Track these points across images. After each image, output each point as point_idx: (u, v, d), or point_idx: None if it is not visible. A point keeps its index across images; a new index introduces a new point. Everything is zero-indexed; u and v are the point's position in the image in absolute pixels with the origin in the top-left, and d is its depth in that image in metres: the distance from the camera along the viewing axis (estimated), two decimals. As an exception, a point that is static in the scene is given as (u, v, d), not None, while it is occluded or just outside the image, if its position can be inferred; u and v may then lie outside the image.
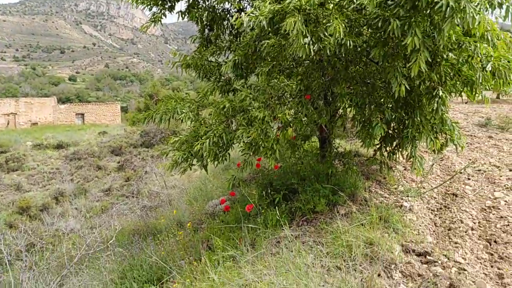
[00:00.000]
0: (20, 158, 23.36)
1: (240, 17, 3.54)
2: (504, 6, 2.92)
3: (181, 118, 4.45)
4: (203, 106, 4.82)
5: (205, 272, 3.21)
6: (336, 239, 3.45)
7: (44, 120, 38.77)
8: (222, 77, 5.17)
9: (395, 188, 5.07)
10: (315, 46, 3.18)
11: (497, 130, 10.29)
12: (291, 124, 4.73)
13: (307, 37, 3.14)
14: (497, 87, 3.69)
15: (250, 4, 5.42)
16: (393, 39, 3.11)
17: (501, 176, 5.64)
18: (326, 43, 3.17)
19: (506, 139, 8.92)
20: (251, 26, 3.46)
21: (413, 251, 3.41)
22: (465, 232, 3.81)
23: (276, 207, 4.06)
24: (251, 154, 4.08)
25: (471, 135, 9.48)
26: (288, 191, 4.70)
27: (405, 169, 6.00)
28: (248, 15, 3.43)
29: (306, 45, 3.12)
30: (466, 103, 16.03)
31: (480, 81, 3.40)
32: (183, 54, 5.24)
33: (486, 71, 3.40)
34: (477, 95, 3.78)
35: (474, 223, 4.05)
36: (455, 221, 4.06)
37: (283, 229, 3.67)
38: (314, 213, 4.22)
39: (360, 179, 4.90)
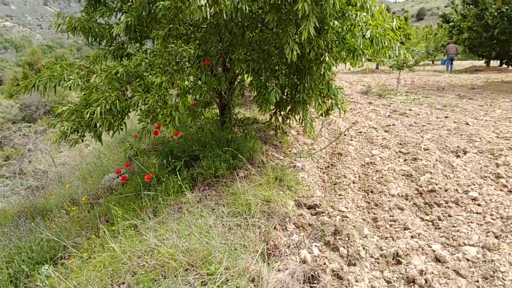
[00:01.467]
0: None
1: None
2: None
3: (69, 85, 4.05)
4: (93, 72, 4.46)
5: (105, 243, 3.10)
6: (236, 200, 3.61)
7: None
8: (114, 41, 4.83)
9: (290, 151, 5.44)
10: (212, 9, 3.16)
11: (376, 97, 11.57)
12: (191, 91, 4.69)
13: (203, -1, 3.10)
14: (374, 54, 4.13)
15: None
16: (286, 5, 3.24)
17: (377, 136, 6.43)
18: (222, 6, 3.17)
19: (383, 105, 10.12)
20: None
21: (305, 204, 3.75)
22: (348, 185, 4.31)
23: (178, 174, 4.05)
24: (149, 122, 3.95)
25: (355, 102, 10.52)
26: (190, 158, 4.71)
27: (298, 134, 6.44)
28: (140, -27, 3.24)
29: (203, 7, 3.08)
30: (349, 69, 17.46)
31: (361, 47, 3.77)
32: (68, 16, 4.73)
33: (366, 38, 3.78)
34: (359, 62, 4.19)
35: (355, 177, 4.60)
36: (340, 177, 4.55)
37: (185, 195, 3.70)
38: (216, 178, 4.33)
39: (258, 143, 5.14)
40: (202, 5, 3.03)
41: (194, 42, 4.25)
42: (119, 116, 4.02)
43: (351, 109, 9.40)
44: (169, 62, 3.99)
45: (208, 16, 3.14)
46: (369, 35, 3.70)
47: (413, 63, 12.32)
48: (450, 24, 17.40)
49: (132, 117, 4.43)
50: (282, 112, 4.68)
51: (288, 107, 4.59)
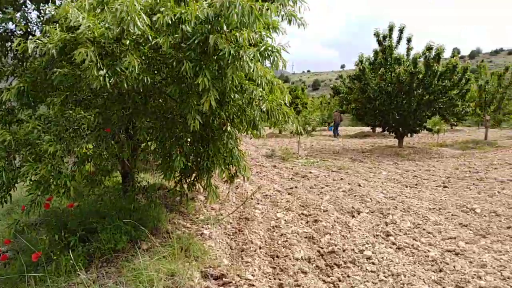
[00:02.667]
0: None
1: (25, 43, 3.20)
2: (271, 58, 3.58)
3: None
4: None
5: None
6: (137, 276, 3.36)
7: None
8: (3, 106, 4.46)
9: (197, 218, 5.35)
10: (112, 79, 3.15)
11: (280, 160, 12.21)
12: (90, 159, 4.44)
13: (103, 69, 3.08)
14: (272, 125, 4.45)
15: (40, 28, 4.94)
16: (187, 78, 3.39)
17: (282, 199, 6.71)
18: (123, 77, 3.18)
19: (286, 168, 10.69)
20: (39, 53, 3.17)
21: (211, 275, 3.65)
22: (255, 251, 4.34)
23: (71, 251, 3.67)
24: (40, 194, 3.60)
25: (261, 165, 10.95)
26: (86, 232, 4.32)
27: (206, 199, 6.40)
28: (35, 41, 3.13)
29: (101, 78, 3.05)
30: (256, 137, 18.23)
31: (258, 119, 4.04)
32: None
33: (263, 112, 4.07)
34: (258, 132, 4.45)
35: (262, 242, 4.66)
36: (247, 242, 4.57)
37: (78, 274, 3.34)
38: (116, 252, 4.01)
39: (163, 211, 4.97)
40: (101, 75, 3.02)
41: (94, 109, 4.12)
42: (4, 188, 3.61)
43: (257, 172, 9.74)
44: (66, 129, 3.78)
45: (108, 86, 3.11)
46: (265, 109, 4.00)
47: (311, 129, 13.43)
48: (340, 95, 19.67)
49: (20, 187, 4.00)
50: (187, 179, 4.66)
51: (194, 174, 4.60)
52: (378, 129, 22.94)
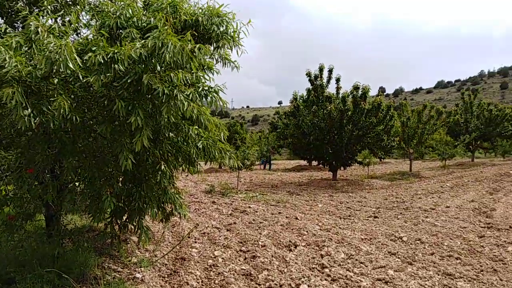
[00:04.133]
0: None
1: None
2: (209, 98, 3.67)
3: None
4: None
5: None
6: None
7: None
8: None
9: (129, 260, 5.08)
10: (37, 119, 3.00)
11: (219, 196, 12.12)
12: (9, 202, 4.12)
13: (28, 109, 2.94)
14: (208, 161, 4.46)
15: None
16: (120, 117, 3.33)
17: (220, 236, 6.62)
18: (49, 117, 3.05)
19: (225, 203, 10.62)
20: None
21: (144, 322, 3.46)
22: (191, 292, 4.21)
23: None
24: None
25: (199, 202, 10.78)
26: (3, 283, 3.92)
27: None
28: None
29: (26, 117, 2.91)
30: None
31: (194, 156, 4.05)
32: None
33: (199, 149, 4.10)
34: (195, 168, 4.45)
35: (198, 282, 4.53)
36: (182, 284, 4.42)
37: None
38: (36, 304, 3.66)
39: (92, 256, 4.66)
40: (26, 115, 2.87)
41: (16, 149, 3.87)
42: None
43: (196, 209, 9.56)
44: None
45: (33, 126, 2.96)
46: (201, 146, 4.04)
47: (250, 163, 13.61)
48: (277, 130, 20.31)
49: None
50: (118, 220, 4.46)
51: (125, 215, 4.42)
52: (315, 162, 23.88)
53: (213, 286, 4.41)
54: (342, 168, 17.33)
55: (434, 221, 8.32)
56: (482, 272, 5.00)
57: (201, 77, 3.67)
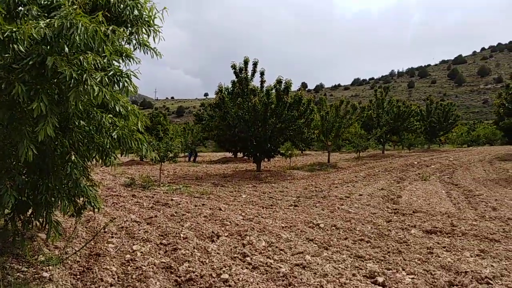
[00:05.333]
0: None
1: None
2: (121, 84, 3.47)
3: None
4: None
5: None
6: None
7: None
8: None
9: (35, 259, 4.67)
10: None
11: (140, 189, 11.68)
12: None
13: None
14: (124, 152, 4.25)
15: None
16: (20, 102, 3.01)
17: (139, 230, 6.39)
18: None
19: (147, 196, 10.28)
20: None
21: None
22: (105, 289, 3.99)
23: None
24: None
25: (118, 195, 10.27)
26: None
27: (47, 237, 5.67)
28: None
29: None
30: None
31: (109, 147, 3.82)
32: None
33: (113, 139, 3.87)
34: (110, 160, 4.20)
35: (114, 278, 4.32)
36: (95, 281, 4.17)
37: None
38: None
39: (-11, 257, 4.20)
40: None
41: None
42: None
43: (113, 203, 9.09)
44: None
45: None
46: (116, 136, 3.82)
47: (173, 155, 13.31)
48: (203, 122, 20.10)
49: None
50: (21, 216, 4.05)
51: (30, 210, 4.03)
52: (240, 154, 24.13)
53: (130, 281, 4.24)
54: (266, 159, 17.77)
55: (348, 208, 8.93)
56: (388, 253, 5.48)
57: (113, 62, 3.46)
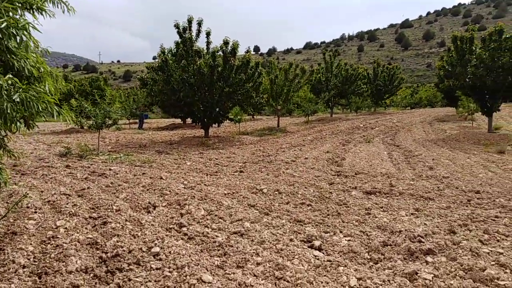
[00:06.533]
0: None
1: None
2: (18, 37, 2.92)
3: None
4: None
5: None
6: None
7: None
8: None
9: None
10: None
11: (76, 159, 10.90)
12: None
13: None
14: (29, 118, 3.69)
15: None
16: None
17: (68, 204, 5.86)
18: None
19: (82, 167, 9.59)
20: None
21: None
22: (15, 272, 3.55)
23: None
24: None
25: (50, 166, 9.49)
26: None
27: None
28: None
29: None
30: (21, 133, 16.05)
31: (10, 112, 3.27)
32: None
33: (16, 102, 3.32)
34: (15, 126, 3.64)
35: (29, 259, 3.87)
36: (6, 263, 3.71)
37: None
38: None
39: None
40: None
41: None
42: None
43: (43, 175, 8.36)
44: None
45: None
46: (18, 99, 3.27)
47: (112, 123, 12.49)
48: (147, 87, 19.04)
49: None
50: None
51: None
52: (189, 120, 23.44)
53: (48, 261, 3.81)
54: (216, 125, 17.34)
55: (293, 172, 8.89)
56: (328, 216, 5.45)
57: (4, 10, 2.87)
